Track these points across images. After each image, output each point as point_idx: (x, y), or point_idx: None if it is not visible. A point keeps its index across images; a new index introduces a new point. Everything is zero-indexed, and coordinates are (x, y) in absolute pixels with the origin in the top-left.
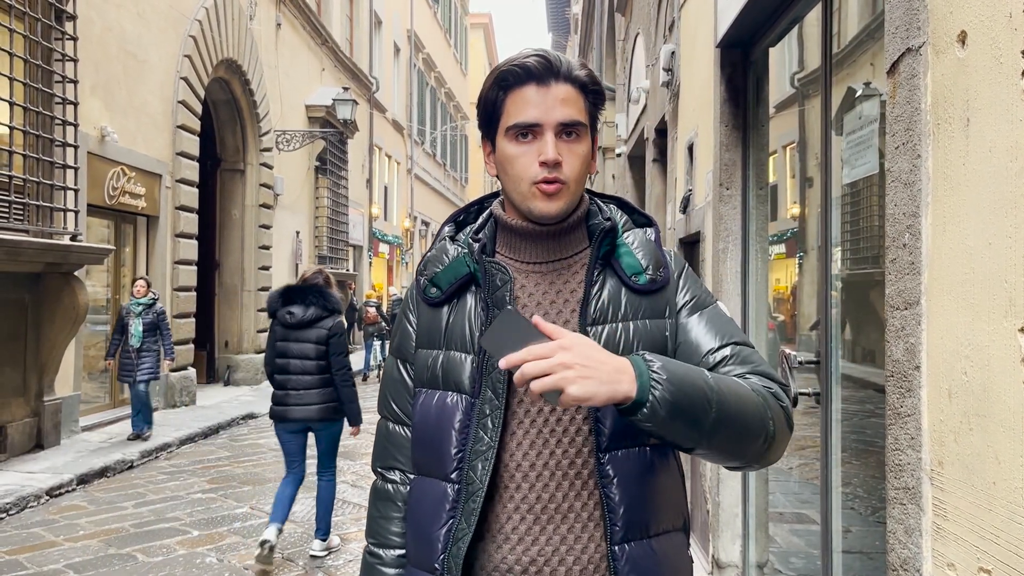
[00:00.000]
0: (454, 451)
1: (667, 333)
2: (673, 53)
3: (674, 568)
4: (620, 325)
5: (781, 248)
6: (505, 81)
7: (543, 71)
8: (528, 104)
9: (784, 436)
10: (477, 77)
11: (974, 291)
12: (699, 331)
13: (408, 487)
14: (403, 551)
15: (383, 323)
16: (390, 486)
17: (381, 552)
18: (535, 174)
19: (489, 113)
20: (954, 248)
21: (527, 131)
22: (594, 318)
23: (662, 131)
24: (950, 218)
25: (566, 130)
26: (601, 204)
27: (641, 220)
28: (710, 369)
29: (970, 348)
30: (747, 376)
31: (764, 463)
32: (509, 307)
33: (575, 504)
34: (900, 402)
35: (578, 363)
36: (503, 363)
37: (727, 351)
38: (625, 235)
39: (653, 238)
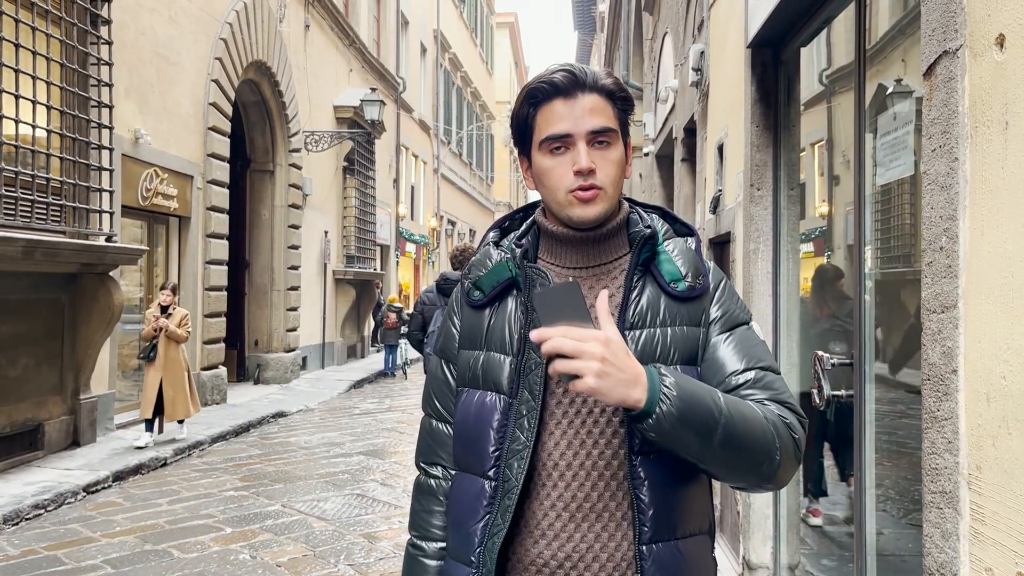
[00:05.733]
0: (492, 449)
1: (700, 341)
2: (702, 53)
3: (699, 569)
4: (658, 330)
5: (809, 247)
6: (534, 98)
7: (569, 84)
8: (557, 117)
9: (791, 465)
10: (503, 77)
11: (1013, 295)
12: (726, 351)
13: (449, 482)
14: (444, 544)
15: (403, 326)
16: (432, 481)
17: (423, 544)
18: (570, 183)
19: (522, 130)
20: (993, 252)
21: (559, 143)
22: (632, 322)
23: (691, 130)
24: (988, 222)
25: (597, 138)
26: (642, 212)
27: (683, 230)
28: (732, 390)
29: (1009, 352)
30: (766, 403)
31: (768, 488)
32: (572, 280)
33: (610, 503)
34: (937, 406)
35: (607, 359)
36: (535, 335)
37: (751, 375)
38: (665, 243)
39: (694, 247)
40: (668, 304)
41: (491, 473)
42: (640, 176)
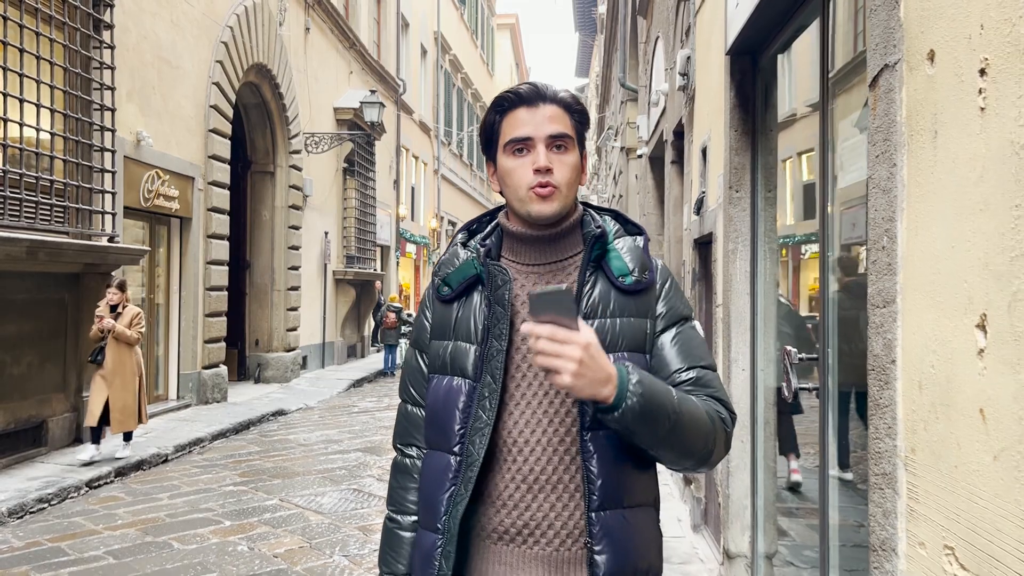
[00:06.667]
0: (457, 428)
1: (647, 332)
2: (689, 58)
3: (644, 537)
4: (608, 321)
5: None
6: (501, 106)
7: (532, 95)
8: (521, 123)
9: (721, 453)
10: (504, 78)
11: (940, 290)
12: (672, 351)
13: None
14: (418, 517)
15: (403, 326)
16: (408, 460)
17: (399, 518)
18: (530, 180)
19: (489, 135)
20: (924, 251)
21: (522, 145)
22: (585, 313)
23: (680, 133)
24: (921, 223)
25: (555, 142)
26: (594, 214)
27: (632, 229)
28: (676, 386)
29: (936, 343)
30: (704, 399)
31: (700, 470)
32: (565, 286)
33: (563, 476)
34: (879, 393)
35: (583, 361)
36: (524, 327)
37: (693, 374)
38: (616, 241)
39: (641, 245)
40: (617, 297)
41: (456, 449)
42: (636, 177)
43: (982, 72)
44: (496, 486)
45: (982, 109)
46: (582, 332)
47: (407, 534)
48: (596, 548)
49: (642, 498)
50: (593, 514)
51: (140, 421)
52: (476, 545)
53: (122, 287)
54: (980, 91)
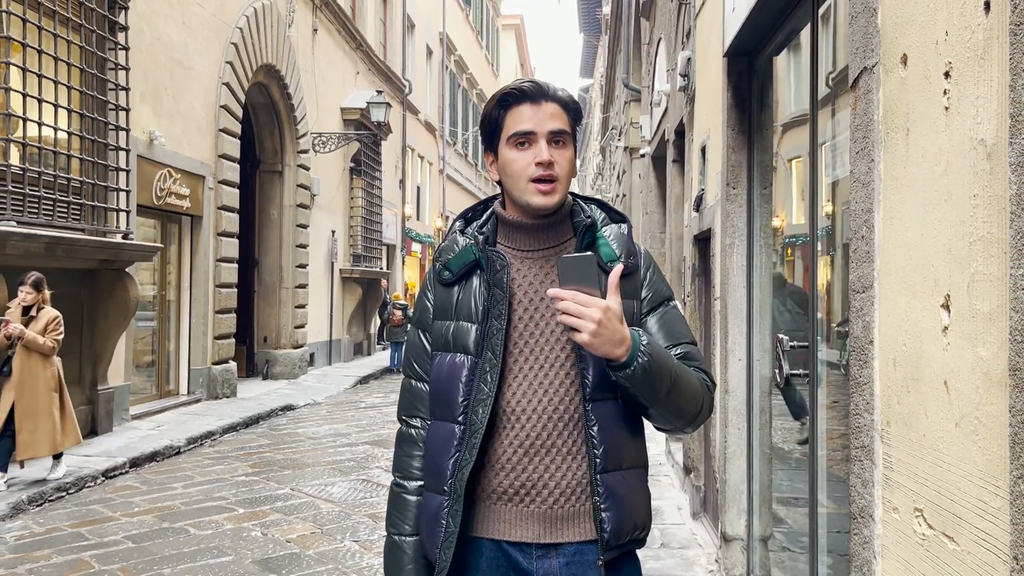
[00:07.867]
0: (461, 399)
1: (634, 312)
2: (689, 59)
3: (640, 495)
4: None
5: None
6: (505, 101)
7: (535, 92)
8: (524, 118)
9: (707, 416)
10: (509, 78)
11: (911, 274)
12: (658, 332)
13: (426, 431)
14: (422, 482)
15: (409, 324)
16: (412, 431)
17: (405, 483)
18: (532, 172)
19: (492, 128)
20: (898, 239)
21: (524, 139)
22: None
23: (681, 133)
24: (895, 213)
25: (555, 138)
26: (583, 204)
27: (616, 217)
28: None
29: (908, 323)
30: (693, 369)
31: (686, 431)
32: (590, 253)
33: (557, 441)
34: (859, 372)
35: (602, 322)
36: (550, 291)
37: (679, 350)
38: (603, 229)
39: (626, 232)
40: (606, 281)
41: (460, 419)
42: (639, 176)
43: (947, 74)
44: (496, 451)
45: (946, 108)
46: (607, 297)
47: (412, 498)
48: (602, 507)
49: (636, 460)
50: (598, 476)
51: (71, 439)
52: (478, 505)
53: (37, 286)
54: (945, 92)
